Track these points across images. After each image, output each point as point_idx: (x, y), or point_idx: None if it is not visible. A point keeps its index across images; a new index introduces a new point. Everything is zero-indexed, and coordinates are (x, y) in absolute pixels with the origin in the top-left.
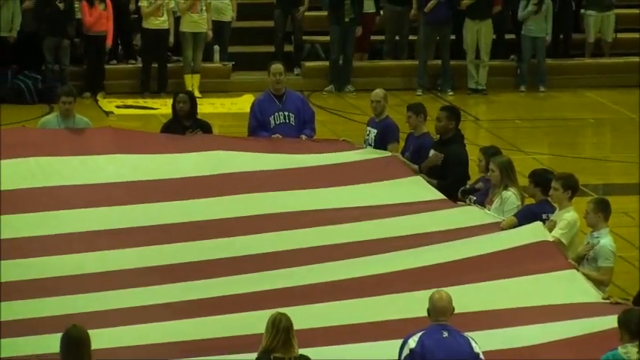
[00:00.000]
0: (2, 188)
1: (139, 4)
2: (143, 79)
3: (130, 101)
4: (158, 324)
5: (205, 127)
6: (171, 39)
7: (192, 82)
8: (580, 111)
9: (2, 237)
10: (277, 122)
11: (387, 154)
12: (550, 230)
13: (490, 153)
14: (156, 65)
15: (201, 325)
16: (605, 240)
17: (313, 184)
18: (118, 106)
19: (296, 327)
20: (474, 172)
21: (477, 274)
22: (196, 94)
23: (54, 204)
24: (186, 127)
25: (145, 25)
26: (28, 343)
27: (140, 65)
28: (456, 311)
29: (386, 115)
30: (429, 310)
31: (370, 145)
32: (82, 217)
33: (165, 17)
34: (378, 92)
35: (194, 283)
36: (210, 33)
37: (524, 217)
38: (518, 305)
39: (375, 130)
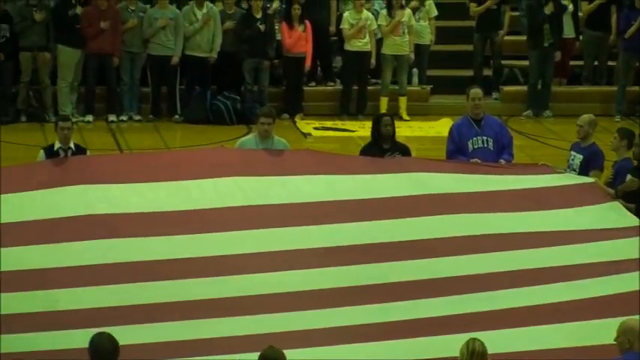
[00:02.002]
0: (204, 207)
1: (341, 26)
2: (343, 102)
3: (328, 123)
4: (360, 344)
5: (404, 151)
6: (373, 61)
7: (400, 105)
8: None
9: (203, 254)
10: (475, 147)
11: (589, 179)
12: None
13: None
14: (356, 87)
15: (410, 346)
16: None
17: (512, 207)
18: (316, 128)
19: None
20: None
21: None
22: (404, 116)
23: (252, 223)
24: (385, 150)
25: (347, 47)
26: None
27: (339, 87)
28: None
29: (592, 142)
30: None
31: (575, 170)
32: (281, 236)
33: (367, 39)
34: (584, 117)
35: (397, 304)
36: (412, 56)
37: None
38: None
39: (581, 156)
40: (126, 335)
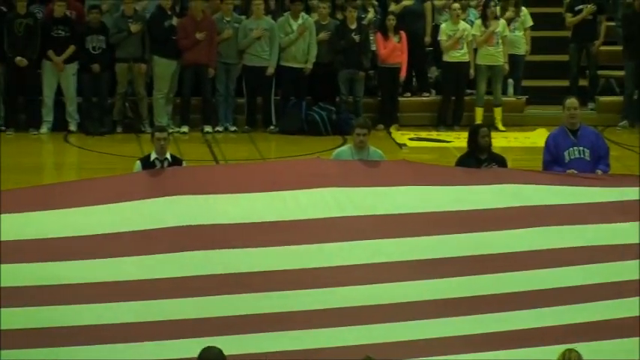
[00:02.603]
0: (299, 217)
1: (439, 38)
2: (441, 112)
3: (423, 134)
4: (458, 355)
5: (501, 162)
6: (472, 71)
7: (495, 115)
8: None
9: (299, 266)
10: (572, 157)
11: None
12: None
13: None
14: (453, 98)
15: (506, 357)
16: None
17: (606, 219)
18: (411, 139)
19: None
20: None
21: None
22: (500, 127)
23: (348, 234)
24: (481, 160)
25: (445, 58)
26: None
27: (434, 98)
28: None
29: None
30: None
31: None
32: (376, 247)
33: (464, 50)
34: None
35: (493, 315)
36: (507, 66)
37: None
38: None
39: None
40: (229, 346)
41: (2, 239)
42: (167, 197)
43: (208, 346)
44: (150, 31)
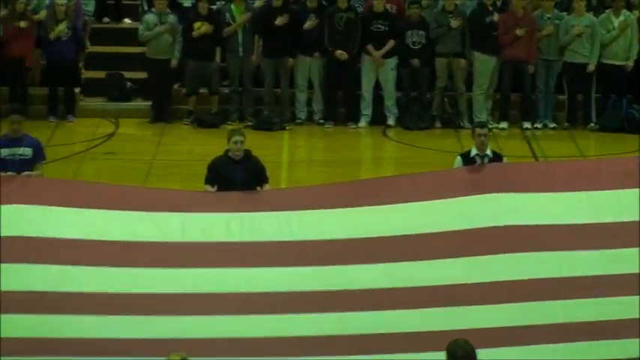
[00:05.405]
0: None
1: None
2: None
3: None
4: None
5: None
6: None
7: None
8: None
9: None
10: None
11: None
12: None
13: None
14: None
15: None
16: None
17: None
18: None
19: None
20: None
21: None
22: None
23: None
24: None
25: None
26: None
27: None
28: None
29: None
30: None
31: None
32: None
33: None
34: None
35: None
36: None
37: None
38: None
39: None
40: None
41: None
42: (484, 195)
43: (455, 339)
44: (470, 26)
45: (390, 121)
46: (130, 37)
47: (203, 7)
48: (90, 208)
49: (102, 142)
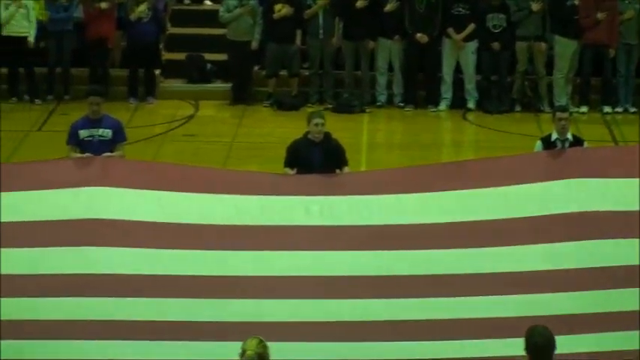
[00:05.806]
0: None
1: None
2: None
3: None
4: None
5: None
6: None
7: None
8: None
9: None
10: None
11: None
12: None
13: None
14: None
15: None
16: None
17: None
18: None
19: None
20: None
21: None
22: None
23: None
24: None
25: None
26: None
27: None
28: None
29: None
30: None
31: None
32: None
33: None
34: None
35: None
36: None
37: None
38: None
39: None
40: None
41: None
42: (567, 180)
43: (534, 326)
44: (551, 10)
45: (470, 105)
46: (210, 18)
47: None
48: (169, 190)
49: (182, 124)
